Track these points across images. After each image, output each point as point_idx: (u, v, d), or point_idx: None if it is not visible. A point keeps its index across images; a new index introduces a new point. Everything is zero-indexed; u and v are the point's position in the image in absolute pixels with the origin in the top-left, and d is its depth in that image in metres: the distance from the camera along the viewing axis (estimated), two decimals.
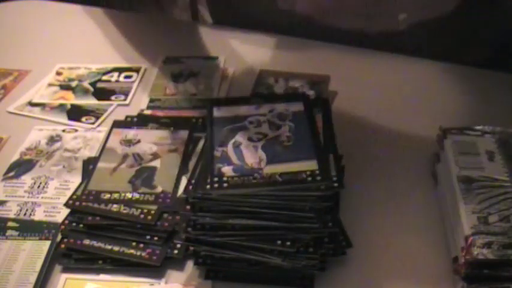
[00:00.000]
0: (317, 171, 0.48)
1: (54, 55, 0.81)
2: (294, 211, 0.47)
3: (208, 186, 0.48)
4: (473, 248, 0.47)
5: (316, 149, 0.51)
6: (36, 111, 0.72)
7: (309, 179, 0.48)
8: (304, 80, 0.74)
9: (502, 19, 0.68)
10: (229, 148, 0.52)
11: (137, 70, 0.78)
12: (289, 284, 0.51)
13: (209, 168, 0.50)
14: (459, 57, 0.73)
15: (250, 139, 0.53)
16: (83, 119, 0.70)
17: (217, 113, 0.56)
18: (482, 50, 0.75)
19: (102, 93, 0.74)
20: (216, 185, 0.48)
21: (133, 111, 0.70)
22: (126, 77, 0.77)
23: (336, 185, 0.49)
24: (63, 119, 0.71)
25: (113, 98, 0.73)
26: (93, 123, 0.69)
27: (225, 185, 0.48)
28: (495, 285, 0.48)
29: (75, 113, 0.71)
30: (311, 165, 0.49)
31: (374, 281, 0.52)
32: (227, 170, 0.50)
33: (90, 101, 0.73)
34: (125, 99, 0.73)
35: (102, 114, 0.70)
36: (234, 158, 0.51)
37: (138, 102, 0.72)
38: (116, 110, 0.71)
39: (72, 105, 0.73)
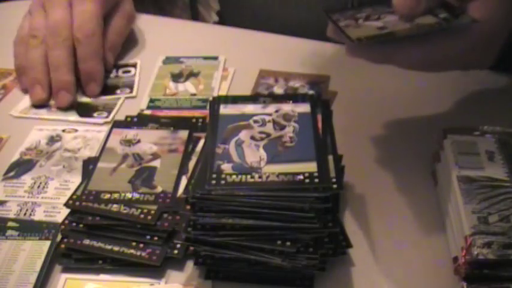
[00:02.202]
0: (315, 173, 0.48)
1: None
2: (294, 211, 0.47)
3: (206, 185, 0.48)
4: (473, 248, 0.47)
5: (318, 151, 0.51)
6: (43, 113, 0.72)
7: (307, 180, 0.48)
8: (304, 80, 0.74)
9: None
10: (231, 146, 0.52)
11: (134, 65, 0.78)
12: (289, 284, 0.51)
13: (209, 165, 0.50)
14: None
15: (253, 138, 0.53)
16: (95, 114, 0.70)
17: (223, 110, 0.56)
18: None
19: (106, 89, 0.74)
20: (213, 182, 0.48)
21: (142, 102, 0.71)
22: (124, 72, 0.77)
23: (334, 186, 0.49)
24: (73, 116, 0.71)
25: (118, 92, 0.74)
26: (106, 117, 0.69)
27: (223, 182, 0.48)
28: (495, 285, 0.48)
29: (85, 110, 0.71)
30: (311, 167, 0.49)
31: (374, 281, 0.52)
32: (226, 167, 0.50)
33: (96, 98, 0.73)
34: (131, 92, 0.73)
35: (112, 108, 0.71)
36: (234, 155, 0.51)
37: (142, 96, 0.73)
38: (125, 102, 0.72)
39: (79, 103, 0.73)
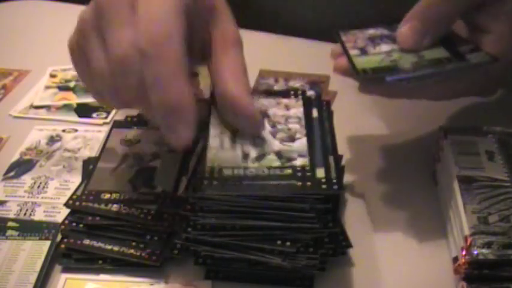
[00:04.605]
0: (308, 172, 0.48)
1: (54, 55, 0.81)
2: (294, 211, 0.47)
3: (206, 183, 0.48)
4: (473, 248, 0.48)
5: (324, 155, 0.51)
6: (43, 113, 0.71)
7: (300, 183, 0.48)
8: (304, 80, 0.74)
9: None
10: None
11: None
12: (289, 284, 0.51)
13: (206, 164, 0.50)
14: None
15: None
16: (94, 114, 0.70)
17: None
18: None
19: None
20: (214, 182, 0.48)
21: None
22: None
23: (335, 187, 0.48)
24: (73, 117, 0.70)
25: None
26: (105, 118, 0.69)
27: (215, 176, 0.48)
28: (495, 285, 0.48)
29: (84, 110, 0.71)
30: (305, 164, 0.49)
31: (374, 281, 0.52)
32: None
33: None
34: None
35: (111, 109, 0.71)
36: None
37: None
38: None
39: (78, 104, 0.72)
